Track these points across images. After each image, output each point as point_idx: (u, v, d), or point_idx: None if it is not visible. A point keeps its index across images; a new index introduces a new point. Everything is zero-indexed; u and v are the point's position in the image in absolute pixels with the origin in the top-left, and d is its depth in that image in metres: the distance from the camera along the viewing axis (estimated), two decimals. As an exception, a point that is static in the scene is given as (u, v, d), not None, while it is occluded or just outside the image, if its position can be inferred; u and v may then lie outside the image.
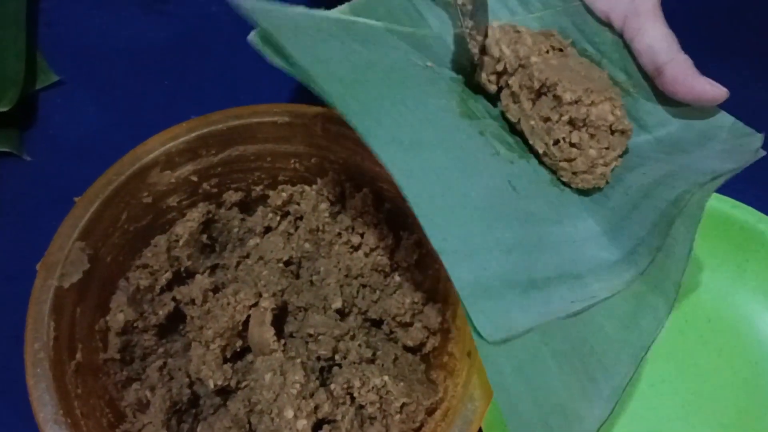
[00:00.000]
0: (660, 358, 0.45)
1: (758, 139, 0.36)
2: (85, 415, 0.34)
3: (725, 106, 0.37)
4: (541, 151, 0.35)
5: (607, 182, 0.35)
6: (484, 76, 0.37)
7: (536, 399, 0.27)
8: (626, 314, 0.31)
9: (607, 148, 0.34)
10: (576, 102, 0.33)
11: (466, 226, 0.29)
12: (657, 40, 0.36)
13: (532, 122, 0.35)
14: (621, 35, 0.38)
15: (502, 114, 0.37)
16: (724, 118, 0.37)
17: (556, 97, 0.34)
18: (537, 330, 0.29)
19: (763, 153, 0.35)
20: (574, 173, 0.35)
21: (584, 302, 0.30)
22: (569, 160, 0.34)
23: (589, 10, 0.39)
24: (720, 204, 0.45)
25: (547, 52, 0.36)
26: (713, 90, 0.35)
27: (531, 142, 0.36)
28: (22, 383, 0.33)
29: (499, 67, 0.36)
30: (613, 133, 0.34)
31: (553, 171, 0.36)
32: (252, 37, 0.31)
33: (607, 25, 0.39)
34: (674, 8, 0.38)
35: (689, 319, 0.46)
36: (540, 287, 0.30)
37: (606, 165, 0.35)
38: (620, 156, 0.35)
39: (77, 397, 0.34)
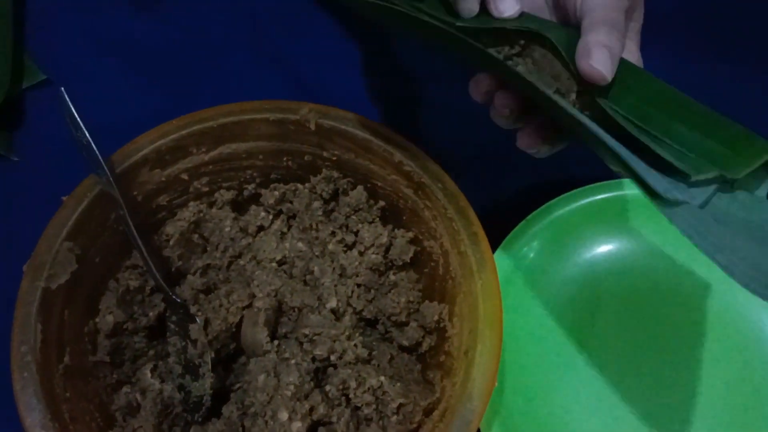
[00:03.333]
0: (666, 358, 0.44)
1: None
2: (73, 420, 0.33)
3: (725, 104, 0.36)
4: None
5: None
6: None
7: (732, 260, 0.27)
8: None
9: None
10: None
11: None
12: (597, 6, 0.33)
13: None
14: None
15: None
16: None
17: None
18: (692, 206, 0.28)
19: None
20: None
21: None
22: None
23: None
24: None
25: None
26: (596, 62, 0.31)
27: None
28: (8, 387, 0.33)
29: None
30: None
31: None
32: None
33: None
34: (675, 7, 0.37)
35: (699, 319, 0.46)
36: None
37: None
38: None
39: (65, 400, 0.34)
